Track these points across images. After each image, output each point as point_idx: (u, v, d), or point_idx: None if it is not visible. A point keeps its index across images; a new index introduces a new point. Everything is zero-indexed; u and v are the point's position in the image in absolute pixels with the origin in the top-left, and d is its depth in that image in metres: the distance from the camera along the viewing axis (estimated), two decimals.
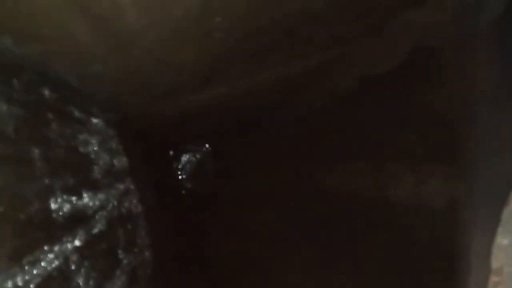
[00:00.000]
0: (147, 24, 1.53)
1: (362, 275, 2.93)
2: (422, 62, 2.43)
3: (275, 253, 3.80)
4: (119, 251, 2.03)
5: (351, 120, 3.22)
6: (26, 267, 1.19)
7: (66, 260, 1.43)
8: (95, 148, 2.06)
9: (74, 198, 1.65)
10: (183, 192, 5.09)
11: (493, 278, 1.10)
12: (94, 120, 2.19)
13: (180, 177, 5.07)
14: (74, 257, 1.50)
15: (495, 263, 1.09)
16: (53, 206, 1.46)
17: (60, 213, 1.50)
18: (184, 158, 5.11)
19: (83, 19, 1.39)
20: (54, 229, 1.42)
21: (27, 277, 1.19)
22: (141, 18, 1.48)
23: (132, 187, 2.52)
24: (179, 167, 5.08)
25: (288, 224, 3.90)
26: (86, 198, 1.77)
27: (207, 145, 5.20)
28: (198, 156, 5.17)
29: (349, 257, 3.08)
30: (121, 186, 2.32)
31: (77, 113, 1.96)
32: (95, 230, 1.80)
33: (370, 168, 2.95)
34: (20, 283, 1.17)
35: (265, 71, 2.62)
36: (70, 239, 1.51)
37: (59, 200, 1.51)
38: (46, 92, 1.65)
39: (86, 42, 1.53)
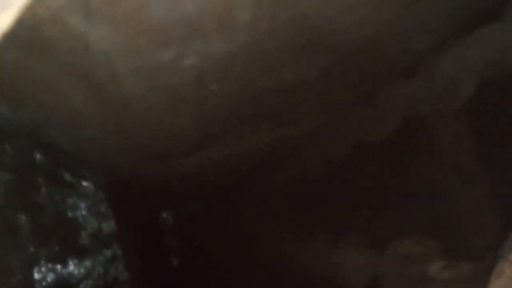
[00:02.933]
0: (143, 92, 1.55)
1: None
2: (412, 132, 2.47)
3: None
4: None
5: (341, 187, 3.22)
6: None
7: None
8: (83, 213, 2.01)
9: (59, 267, 1.58)
10: (171, 256, 4.95)
11: None
12: (85, 184, 2.15)
13: (168, 241, 4.95)
14: None
15: None
16: (36, 276, 1.39)
17: (44, 283, 1.43)
18: (173, 220, 5.02)
19: (81, 86, 1.40)
20: None
21: None
22: (138, 86, 1.50)
23: (119, 252, 2.44)
24: (168, 230, 4.97)
25: None
26: (71, 266, 1.71)
27: (197, 208, 5.13)
28: (187, 219, 5.08)
29: None
30: (108, 252, 2.24)
31: (67, 177, 1.93)
32: None
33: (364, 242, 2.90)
34: None
35: (258, 136, 2.64)
36: None
37: (43, 269, 1.44)
38: (38, 156, 1.64)
39: (82, 107, 1.54)
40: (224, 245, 4.94)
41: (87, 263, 1.89)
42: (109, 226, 2.39)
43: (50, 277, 1.47)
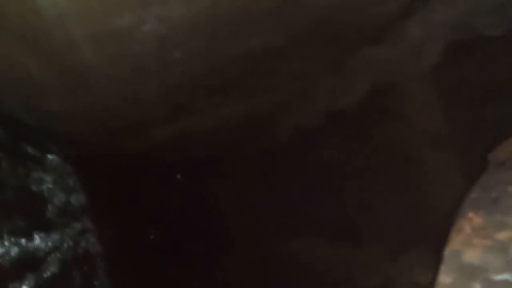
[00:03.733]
0: (103, 61, 1.50)
1: None
2: (382, 97, 2.48)
3: None
4: None
5: (315, 153, 3.24)
6: None
7: None
8: (49, 186, 1.97)
9: (23, 241, 1.55)
10: (148, 229, 4.94)
11: None
12: (50, 157, 2.10)
13: (144, 214, 4.93)
14: None
15: None
16: None
17: (7, 258, 1.40)
18: (147, 194, 4.98)
19: (35, 54, 1.34)
20: None
21: None
22: (97, 54, 1.44)
23: (90, 226, 2.42)
24: (143, 203, 4.94)
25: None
26: (37, 240, 1.68)
27: (170, 180, 5.10)
28: (161, 192, 5.06)
29: None
30: (77, 225, 2.22)
31: (31, 151, 1.88)
32: (47, 274, 1.70)
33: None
34: None
35: (229, 106, 2.61)
36: (17, 285, 1.41)
37: (6, 243, 1.41)
38: None
39: (39, 77, 1.48)
40: (200, 217, 4.95)
41: (55, 236, 1.87)
42: (77, 199, 2.36)
43: (14, 251, 1.44)
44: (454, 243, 1.03)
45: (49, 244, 1.79)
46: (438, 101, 2.40)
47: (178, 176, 5.07)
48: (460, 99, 2.32)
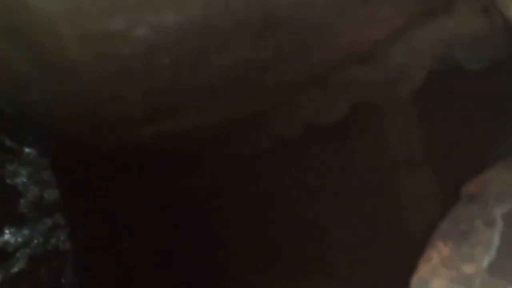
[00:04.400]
0: (89, 59, 1.49)
1: None
2: (363, 116, 2.53)
3: None
4: None
5: (293, 164, 3.28)
6: None
7: None
8: (24, 180, 1.95)
9: None
10: (121, 228, 4.89)
11: None
12: (27, 150, 2.08)
13: (118, 212, 4.88)
14: None
15: None
16: None
17: None
18: (123, 192, 4.93)
19: (19, 48, 1.33)
20: None
21: None
22: (84, 53, 1.44)
23: (61, 222, 2.39)
24: (117, 201, 4.89)
25: None
26: (7, 235, 1.66)
27: (147, 179, 5.06)
28: (137, 190, 5.02)
29: None
30: (49, 221, 2.19)
31: (8, 143, 1.85)
32: (15, 270, 1.68)
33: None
34: None
35: (211, 112, 2.63)
36: None
37: None
38: None
39: (21, 69, 1.47)
40: (176, 216, 4.94)
41: (25, 231, 1.85)
42: (51, 194, 2.33)
43: None
44: (422, 271, 1.07)
45: (19, 239, 1.77)
46: (417, 126, 2.48)
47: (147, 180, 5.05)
48: (438, 126, 2.40)
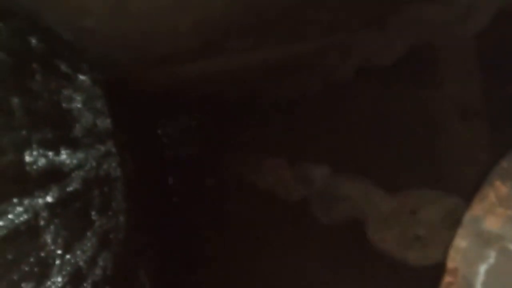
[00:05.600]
0: None
1: None
2: (418, 60, 2.41)
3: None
4: (93, 213, 2.00)
5: (341, 109, 3.21)
6: None
7: (35, 215, 1.40)
8: (78, 106, 2.01)
9: (51, 154, 1.60)
10: (165, 161, 5.06)
11: (447, 279, 1.11)
12: (81, 77, 2.13)
13: (163, 145, 5.03)
14: (44, 213, 1.46)
15: (450, 264, 1.11)
16: (28, 159, 1.42)
17: (34, 167, 1.46)
18: (171, 126, 5.06)
19: None
20: (26, 183, 1.38)
21: None
22: None
23: (113, 150, 2.48)
24: (166, 135, 5.03)
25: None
26: (63, 155, 1.73)
27: (195, 116, 5.16)
28: (185, 126, 5.13)
29: None
30: (101, 148, 2.27)
31: (64, 68, 1.90)
32: (70, 189, 1.77)
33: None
34: None
35: (262, 50, 2.58)
36: (42, 194, 1.47)
37: (34, 153, 1.46)
38: (34, 42, 1.59)
39: None
40: (220, 157, 5.04)
41: (80, 155, 1.92)
42: (104, 123, 2.40)
43: (41, 162, 1.50)
44: (476, 209, 1.03)
45: (74, 161, 1.85)
46: (476, 72, 2.32)
47: (195, 117, 5.11)
48: (499, 72, 2.24)
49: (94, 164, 2.11)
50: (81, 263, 1.71)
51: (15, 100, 1.40)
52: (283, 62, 2.94)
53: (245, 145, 4.53)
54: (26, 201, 1.34)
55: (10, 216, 1.23)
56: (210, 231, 4.51)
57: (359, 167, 2.90)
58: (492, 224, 0.98)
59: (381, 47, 2.35)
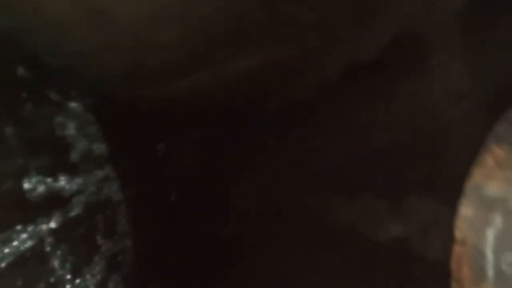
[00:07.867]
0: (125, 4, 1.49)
1: None
2: (405, 49, 2.43)
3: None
4: (98, 237, 2.00)
5: (333, 110, 3.22)
6: None
7: (40, 241, 1.39)
8: (72, 132, 2.01)
9: (49, 180, 1.60)
10: (166, 181, 5.03)
11: (457, 249, 1.11)
12: (73, 104, 2.14)
13: (163, 166, 5.01)
14: (49, 239, 1.46)
15: (458, 234, 1.11)
16: (27, 186, 1.42)
17: (34, 194, 1.46)
18: (168, 146, 5.05)
19: None
20: (27, 210, 1.38)
21: None
22: None
23: (112, 174, 2.48)
24: (163, 155, 5.02)
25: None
26: (62, 181, 1.73)
27: (191, 133, 5.14)
28: (181, 144, 5.12)
29: None
30: (100, 173, 2.27)
31: (53, 96, 1.91)
32: (72, 214, 1.76)
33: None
34: None
35: (245, 58, 2.59)
36: (45, 220, 1.47)
37: (33, 180, 1.46)
38: (21, 70, 1.60)
39: (64, 14, 1.48)
40: (222, 171, 5.02)
41: (78, 180, 1.92)
42: (100, 148, 2.41)
43: (41, 188, 1.50)
44: (476, 177, 1.04)
45: (74, 186, 1.85)
46: (463, 54, 2.34)
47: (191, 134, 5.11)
48: (485, 54, 2.26)
49: (94, 189, 2.10)
50: (91, 287, 1.70)
51: (8, 129, 1.41)
52: (268, 69, 2.96)
53: (239, 159, 4.52)
54: (29, 228, 1.34)
55: (15, 243, 1.23)
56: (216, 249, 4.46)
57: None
58: (494, 188, 0.98)
59: (364, 42, 2.37)
